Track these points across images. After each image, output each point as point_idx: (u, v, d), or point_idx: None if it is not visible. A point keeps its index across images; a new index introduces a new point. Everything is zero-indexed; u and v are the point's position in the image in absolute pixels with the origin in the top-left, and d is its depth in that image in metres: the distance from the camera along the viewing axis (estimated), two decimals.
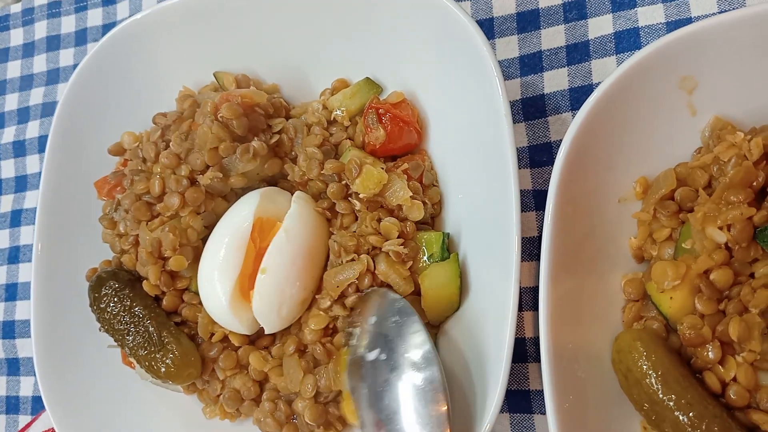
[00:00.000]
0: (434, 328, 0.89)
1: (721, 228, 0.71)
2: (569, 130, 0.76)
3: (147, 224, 0.95)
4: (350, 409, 0.84)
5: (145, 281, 0.95)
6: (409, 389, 0.74)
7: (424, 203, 0.90)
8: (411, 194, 0.87)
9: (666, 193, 0.77)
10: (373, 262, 0.87)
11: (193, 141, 0.93)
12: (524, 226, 0.95)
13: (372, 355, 0.80)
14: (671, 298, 0.73)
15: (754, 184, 0.72)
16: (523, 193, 0.95)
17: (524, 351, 0.93)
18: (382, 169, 0.89)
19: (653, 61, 0.75)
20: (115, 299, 0.95)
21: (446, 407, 0.71)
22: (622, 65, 0.75)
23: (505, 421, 0.93)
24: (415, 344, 0.77)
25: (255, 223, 0.90)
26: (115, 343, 0.96)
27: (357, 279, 0.87)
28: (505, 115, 0.78)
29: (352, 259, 0.87)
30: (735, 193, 0.71)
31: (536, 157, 0.96)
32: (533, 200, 0.95)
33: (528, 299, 0.94)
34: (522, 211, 0.93)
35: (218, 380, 0.95)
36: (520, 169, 0.96)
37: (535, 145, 0.96)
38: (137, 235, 0.96)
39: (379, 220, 0.88)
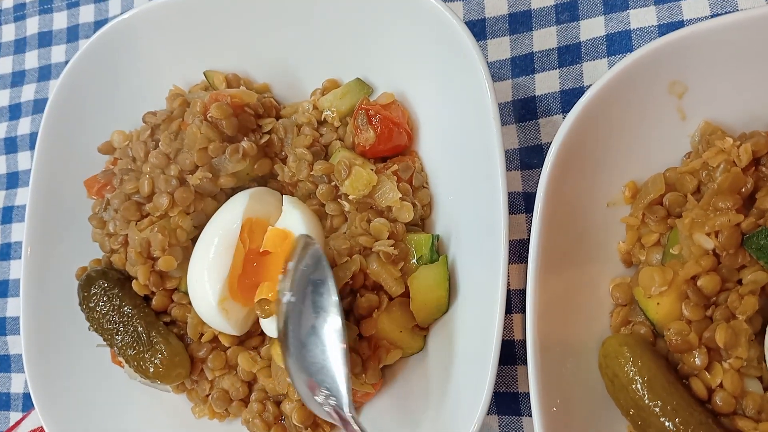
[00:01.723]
0: (423, 330, 0.89)
1: (708, 234, 0.71)
2: (558, 133, 0.76)
3: (136, 224, 0.94)
4: (277, 351, 0.86)
5: (134, 281, 0.95)
6: (317, 330, 0.79)
7: (414, 205, 0.89)
8: (400, 196, 0.87)
9: (655, 198, 0.77)
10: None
11: (182, 141, 0.93)
12: (514, 228, 0.95)
13: (286, 297, 0.82)
14: (658, 303, 0.73)
15: (743, 190, 0.73)
16: (513, 196, 0.95)
17: (513, 353, 0.93)
18: (372, 170, 0.88)
19: (643, 65, 0.75)
20: (105, 298, 0.94)
21: (344, 346, 0.77)
22: (611, 69, 0.75)
23: (493, 423, 0.93)
24: (321, 287, 0.80)
25: (244, 224, 0.90)
26: (104, 343, 0.96)
27: (351, 279, 0.86)
28: (494, 118, 0.78)
29: (345, 261, 0.87)
30: (723, 199, 0.71)
31: (527, 159, 0.96)
32: (524, 202, 0.95)
33: (518, 301, 0.93)
34: (512, 213, 0.94)
35: (207, 380, 0.95)
36: (510, 171, 0.96)
37: (526, 147, 0.96)
38: (126, 234, 0.96)
39: (368, 221, 0.88)
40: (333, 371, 0.77)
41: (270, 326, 0.88)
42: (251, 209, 0.90)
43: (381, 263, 0.86)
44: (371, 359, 0.86)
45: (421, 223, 0.93)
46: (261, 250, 0.91)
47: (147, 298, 0.96)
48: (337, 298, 0.79)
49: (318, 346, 0.79)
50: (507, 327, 0.93)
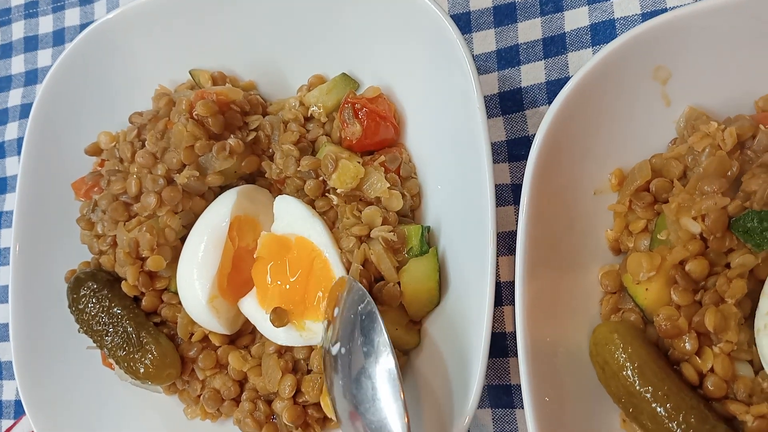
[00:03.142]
0: (416, 324, 0.89)
1: (695, 218, 0.71)
2: (542, 123, 0.76)
3: (124, 224, 0.94)
4: (326, 402, 0.84)
5: (123, 282, 0.94)
6: (371, 381, 0.74)
7: (403, 195, 0.89)
8: (389, 185, 0.87)
9: (641, 184, 0.77)
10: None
11: (169, 140, 0.93)
12: (503, 220, 0.94)
13: (335, 349, 0.79)
14: (647, 289, 0.73)
15: (729, 173, 0.72)
16: (501, 187, 0.95)
17: (505, 345, 0.93)
18: (359, 162, 0.88)
19: (625, 52, 0.75)
20: (94, 300, 0.94)
21: (402, 395, 0.72)
22: (593, 58, 0.75)
23: (487, 415, 0.93)
24: (373, 338, 0.76)
25: (233, 222, 0.90)
26: (94, 345, 0.95)
27: (363, 266, 0.85)
28: (479, 109, 0.78)
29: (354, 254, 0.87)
30: (709, 183, 0.71)
31: (514, 150, 0.96)
32: (512, 194, 0.95)
33: (509, 293, 0.93)
34: (500, 205, 0.94)
35: (198, 380, 0.94)
36: (498, 163, 0.96)
37: (513, 139, 0.96)
38: (115, 235, 0.95)
39: (359, 211, 0.88)
40: (388, 415, 0.72)
41: (282, 335, 0.87)
42: (240, 207, 0.90)
43: (383, 248, 0.85)
44: None
45: (411, 214, 0.93)
46: (255, 257, 0.90)
47: (137, 299, 0.96)
48: (388, 338, 0.75)
49: (372, 392, 0.74)
50: (498, 319, 0.93)
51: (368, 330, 0.76)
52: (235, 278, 0.91)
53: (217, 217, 0.90)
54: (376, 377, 0.74)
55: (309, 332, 0.84)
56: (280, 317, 0.85)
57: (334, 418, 0.80)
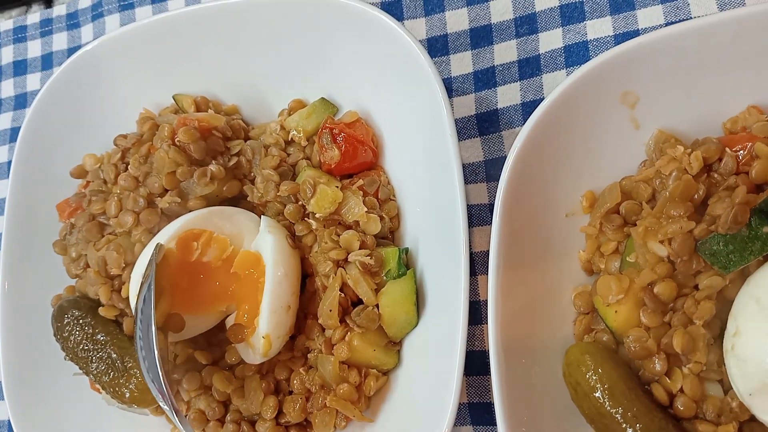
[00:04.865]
0: (395, 345, 0.90)
1: (662, 242, 0.72)
2: (514, 145, 0.77)
3: (95, 244, 0.95)
4: None
5: (101, 307, 0.95)
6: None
7: (381, 217, 0.90)
8: (366, 209, 0.88)
9: (611, 207, 0.78)
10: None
11: (151, 164, 0.94)
12: (482, 240, 0.96)
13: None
14: (616, 311, 0.74)
15: (695, 197, 0.73)
16: (479, 207, 0.96)
17: (486, 363, 0.93)
18: (337, 187, 0.90)
19: (593, 77, 0.76)
20: (78, 328, 0.95)
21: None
22: (563, 82, 0.77)
23: None
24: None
25: (186, 235, 0.89)
26: (80, 371, 0.96)
27: (342, 291, 0.87)
28: (451, 135, 0.79)
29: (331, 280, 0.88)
30: (675, 207, 0.72)
31: (492, 171, 0.97)
32: (490, 214, 0.96)
33: None
34: (479, 225, 0.95)
35: (183, 401, 0.95)
36: (476, 183, 0.97)
37: (491, 159, 0.97)
38: (86, 255, 0.96)
39: (338, 235, 0.89)
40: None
41: (245, 351, 0.88)
42: (198, 222, 0.89)
43: (360, 272, 0.87)
44: (361, 389, 0.87)
45: (390, 235, 0.94)
46: (231, 272, 0.91)
47: (119, 324, 0.97)
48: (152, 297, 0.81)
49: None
50: (479, 338, 0.94)
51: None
52: (190, 290, 0.90)
53: (165, 231, 0.90)
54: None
55: (253, 347, 0.86)
56: (234, 333, 0.86)
57: None
